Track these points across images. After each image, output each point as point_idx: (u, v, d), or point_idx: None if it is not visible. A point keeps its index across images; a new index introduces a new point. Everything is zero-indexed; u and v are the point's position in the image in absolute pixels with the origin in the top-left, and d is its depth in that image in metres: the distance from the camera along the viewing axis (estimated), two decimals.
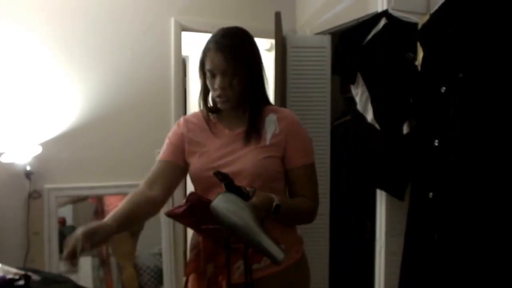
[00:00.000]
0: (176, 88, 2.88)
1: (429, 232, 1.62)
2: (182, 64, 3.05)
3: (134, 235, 3.08)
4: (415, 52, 1.93)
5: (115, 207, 3.14)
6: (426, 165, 1.68)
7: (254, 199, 1.18)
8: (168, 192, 1.44)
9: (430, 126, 1.68)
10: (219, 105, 1.39)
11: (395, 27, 2.08)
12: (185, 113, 3.77)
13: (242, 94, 1.36)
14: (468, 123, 1.52)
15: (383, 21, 2.11)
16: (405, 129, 2.04)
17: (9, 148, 2.41)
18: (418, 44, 1.84)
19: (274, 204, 1.23)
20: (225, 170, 1.30)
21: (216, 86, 1.34)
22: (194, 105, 4.16)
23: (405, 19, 2.07)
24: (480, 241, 1.48)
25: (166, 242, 2.86)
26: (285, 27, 2.75)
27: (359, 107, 2.27)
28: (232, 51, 1.32)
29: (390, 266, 2.13)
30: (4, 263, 1.73)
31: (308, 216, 1.41)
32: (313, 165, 1.43)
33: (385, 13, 2.11)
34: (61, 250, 2.62)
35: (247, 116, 1.40)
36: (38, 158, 2.50)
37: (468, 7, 1.55)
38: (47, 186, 2.57)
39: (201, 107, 1.45)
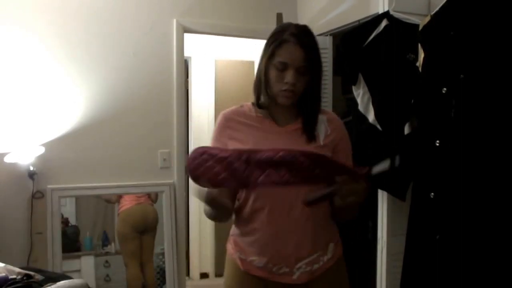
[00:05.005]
0: (178, 89, 2.89)
1: (430, 232, 1.63)
2: (184, 65, 3.06)
3: (152, 232, 3.07)
4: (416, 53, 1.93)
5: (124, 205, 3.14)
6: (427, 166, 1.68)
7: None
8: (234, 197, 1.43)
9: (431, 127, 1.68)
10: (280, 99, 1.35)
11: (396, 28, 2.08)
12: (187, 113, 3.79)
13: (304, 93, 1.36)
14: (469, 123, 1.52)
15: (384, 22, 2.11)
16: (407, 130, 2.05)
17: (13, 149, 2.43)
18: (419, 45, 1.85)
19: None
20: None
21: (286, 80, 1.32)
22: (196, 105, 4.19)
23: (406, 20, 2.08)
24: (481, 241, 1.49)
25: (169, 242, 2.88)
26: None
27: (360, 107, 2.27)
28: (312, 51, 1.33)
29: (392, 266, 2.13)
30: (7, 262, 1.75)
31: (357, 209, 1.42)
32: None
33: (386, 15, 2.12)
34: (64, 250, 2.63)
35: (295, 113, 1.40)
36: (41, 159, 2.52)
37: (469, 8, 1.56)
38: (50, 186, 2.58)
39: (261, 99, 1.40)
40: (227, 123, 1.42)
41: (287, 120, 1.41)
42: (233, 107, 1.47)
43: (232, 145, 1.37)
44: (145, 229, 3.08)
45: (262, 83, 1.38)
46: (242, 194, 1.40)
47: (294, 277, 1.37)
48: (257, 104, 1.42)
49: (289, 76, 1.31)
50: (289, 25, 1.37)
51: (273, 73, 1.34)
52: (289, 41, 1.32)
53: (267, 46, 1.36)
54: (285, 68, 1.32)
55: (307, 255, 1.37)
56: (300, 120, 1.40)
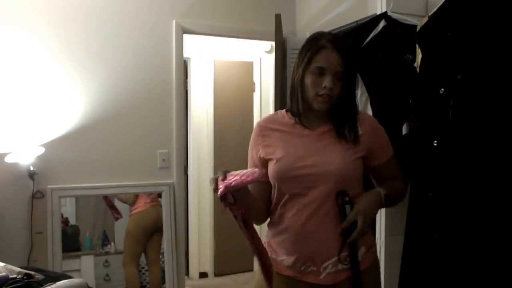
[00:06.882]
0: (177, 89, 2.90)
1: (428, 232, 1.63)
2: (184, 66, 3.07)
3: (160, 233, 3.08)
4: (414, 54, 1.94)
5: (139, 207, 3.15)
6: (425, 165, 1.69)
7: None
8: (268, 204, 1.48)
9: (429, 127, 1.69)
10: (316, 105, 1.37)
11: (394, 29, 2.09)
12: (186, 114, 3.80)
13: (339, 97, 1.38)
14: (466, 123, 1.53)
15: (382, 23, 2.12)
16: (405, 130, 2.06)
17: (13, 149, 2.44)
18: (417, 46, 1.86)
19: (383, 195, 1.40)
20: (311, 170, 1.36)
21: (324, 84, 1.34)
22: (195, 106, 4.20)
23: (404, 21, 2.08)
24: (480, 241, 1.49)
25: (168, 241, 2.89)
26: (285, 29, 2.77)
27: (358, 108, 2.28)
28: (349, 57, 1.36)
29: (390, 265, 2.14)
30: (7, 262, 1.76)
31: (403, 192, 1.57)
32: (393, 155, 1.53)
33: (384, 15, 2.12)
34: (64, 250, 2.64)
35: (326, 117, 1.42)
36: (41, 159, 2.53)
37: (467, 9, 1.57)
38: (50, 186, 2.60)
39: (296, 105, 1.41)
40: (261, 131, 1.47)
41: (318, 124, 1.43)
42: (267, 115, 1.56)
43: (264, 151, 1.43)
44: (154, 230, 3.10)
45: (298, 90, 1.40)
46: (274, 194, 1.44)
47: (321, 277, 1.39)
48: (291, 111, 1.45)
49: (326, 80, 1.34)
50: (324, 33, 1.42)
51: (309, 79, 1.36)
52: (327, 47, 1.35)
53: (302, 54, 1.39)
54: (322, 73, 1.35)
55: (333, 255, 1.38)
56: (330, 123, 1.42)
